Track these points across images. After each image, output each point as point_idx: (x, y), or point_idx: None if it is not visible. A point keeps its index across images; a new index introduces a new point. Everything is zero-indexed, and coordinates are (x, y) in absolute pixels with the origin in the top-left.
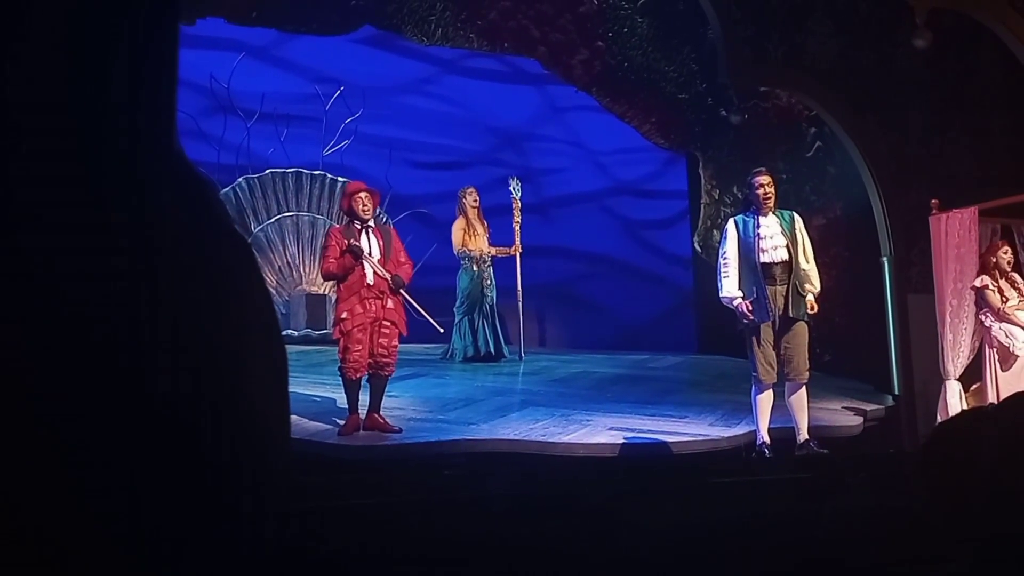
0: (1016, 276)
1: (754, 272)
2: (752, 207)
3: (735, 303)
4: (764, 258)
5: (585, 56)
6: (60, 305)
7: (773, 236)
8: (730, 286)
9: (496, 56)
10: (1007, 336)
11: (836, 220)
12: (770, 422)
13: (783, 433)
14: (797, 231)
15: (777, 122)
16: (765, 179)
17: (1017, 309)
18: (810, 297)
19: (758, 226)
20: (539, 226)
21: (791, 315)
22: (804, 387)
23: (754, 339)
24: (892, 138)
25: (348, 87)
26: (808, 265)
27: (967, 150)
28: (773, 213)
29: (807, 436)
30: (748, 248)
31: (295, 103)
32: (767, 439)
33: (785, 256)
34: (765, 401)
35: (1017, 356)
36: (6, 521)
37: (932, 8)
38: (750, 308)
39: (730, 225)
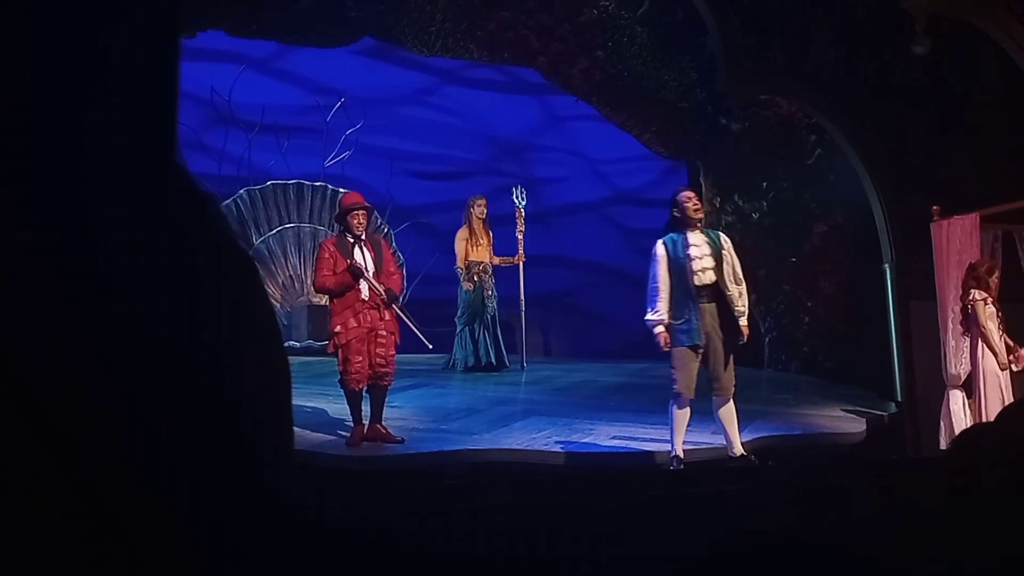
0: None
1: (687, 293)
2: (679, 226)
3: (656, 330)
4: (695, 280)
5: (585, 66)
6: (61, 311)
7: (703, 257)
8: (659, 308)
9: (496, 66)
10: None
11: (837, 227)
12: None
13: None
14: (724, 251)
15: (777, 130)
16: (691, 193)
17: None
18: (742, 322)
19: (687, 245)
20: (540, 235)
21: (721, 338)
22: (731, 401)
23: (679, 356)
24: (892, 145)
25: (349, 98)
26: (736, 287)
27: (968, 156)
28: (701, 231)
29: (741, 450)
30: (680, 268)
31: (296, 115)
32: (680, 453)
33: (713, 277)
34: (683, 417)
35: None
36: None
37: (931, 15)
38: (668, 340)
39: (659, 246)
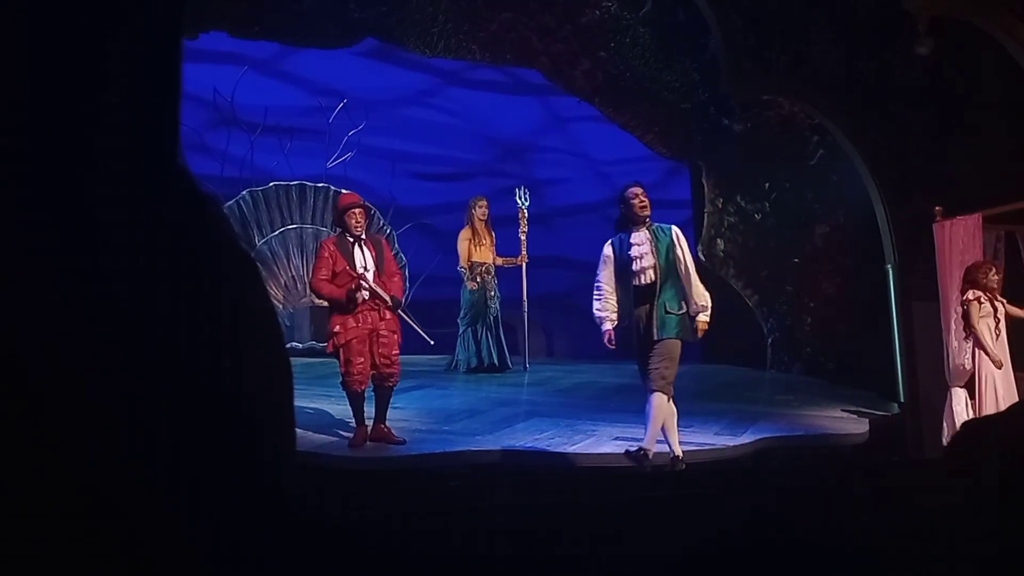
0: (1002, 301)
1: (628, 293)
2: (626, 224)
3: (604, 328)
4: (636, 280)
5: (587, 66)
6: (63, 310)
7: (643, 256)
8: (603, 307)
9: (498, 67)
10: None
11: (839, 228)
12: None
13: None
14: (677, 247)
15: (780, 130)
16: (639, 189)
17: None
18: (701, 317)
19: (630, 245)
20: (543, 236)
21: (656, 336)
22: (658, 396)
23: (638, 355)
24: (894, 145)
25: (351, 99)
26: (688, 284)
27: (970, 157)
28: (648, 228)
29: (646, 448)
30: (624, 269)
31: (298, 116)
32: (678, 453)
33: (652, 276)
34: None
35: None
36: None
37: (933, 15)
38: (613, 337)
39: (607, 248)
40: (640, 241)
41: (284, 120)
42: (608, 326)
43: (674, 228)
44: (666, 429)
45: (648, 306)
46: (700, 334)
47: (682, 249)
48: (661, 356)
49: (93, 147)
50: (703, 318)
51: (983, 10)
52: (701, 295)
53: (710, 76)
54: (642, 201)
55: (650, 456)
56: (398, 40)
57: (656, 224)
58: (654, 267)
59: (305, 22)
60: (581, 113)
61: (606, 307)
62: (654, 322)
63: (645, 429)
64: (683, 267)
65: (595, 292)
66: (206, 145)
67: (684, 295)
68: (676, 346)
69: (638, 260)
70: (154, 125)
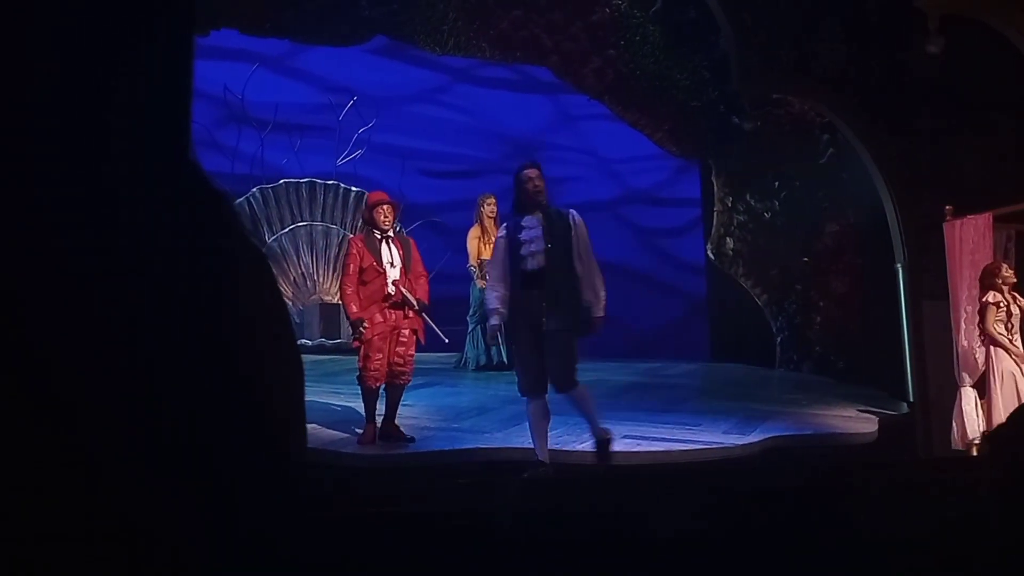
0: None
1: (519, 279)
2: (519, 207)
3: (491, 322)
4: (524, 265)
5: (597, 64)
6: (68, 310)
7: (533, 240)
8: (491, 299)
9: (508, 65)
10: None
11: (849, 226)
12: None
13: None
14: (573, 233)
15: (790, 129)
16: (533, 172)
17: (1001, 333)
18: (595, 312)
19: (521, 229)
20: None
21: (552, 326)
22: (579, 390)
23: (515, 349)
24: (905, 144)
25: (361, 97)
26: (583, 271)
27: (981, 156)
28: (543, 212)
29: (604, 435)
30: (515, 254)
31: (308, 113)
32: (544, 457)
33: (542, 261)
34: (536, 415)
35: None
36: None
37: (944, 13)
38: (496, 335)
39: (500, 230)
40: (532, 225)
41: (294, 117)
42: (495, 321)
43: (573, 213)
44: (536, 431)
45: (538, 293)
46: (595, 329)
47: (578, 236)
48: (558, 354)
49: (103, 145)
50: (597, 313)
51: (994, 8)
52: (596, 287)
53: (720, 74)
54: (536, 185)
55: (611, 434)
56: (408, 38)
57: (554, 208)
58: (544, 252)
59: (315, 20)
60: (591, 111)
61: (492, 298)
62: (544, 312)
63: (589, 422)
64: (579, 255)
65: (488, 279)
66: (216, 142)
67: (578, 285)
68: (572, 340)
69: (528, 244)
70: (165, 122)
